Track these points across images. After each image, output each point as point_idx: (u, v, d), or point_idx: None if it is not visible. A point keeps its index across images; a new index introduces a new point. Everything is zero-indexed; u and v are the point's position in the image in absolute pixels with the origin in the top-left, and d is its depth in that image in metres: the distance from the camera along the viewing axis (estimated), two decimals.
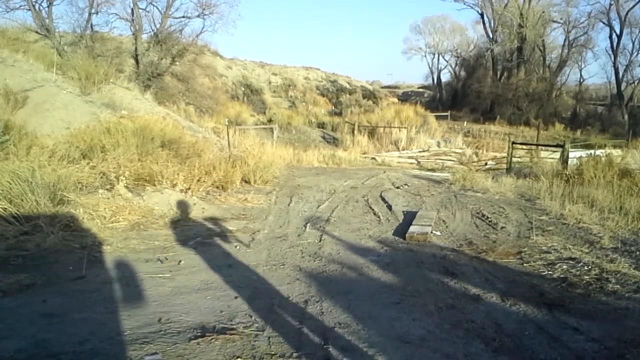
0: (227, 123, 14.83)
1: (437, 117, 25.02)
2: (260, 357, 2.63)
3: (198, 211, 6.01)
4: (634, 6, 27.57)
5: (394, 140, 18.76)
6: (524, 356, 2.70)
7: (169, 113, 12.60)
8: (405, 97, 44.46)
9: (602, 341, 2.88)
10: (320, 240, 5.11)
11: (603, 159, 8.19)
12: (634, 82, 29.96)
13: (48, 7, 17.39)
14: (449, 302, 3.45)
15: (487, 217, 6.08)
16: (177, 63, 21.69)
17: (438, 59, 45.00)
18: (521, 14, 31.78)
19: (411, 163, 14.53)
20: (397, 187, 8.53)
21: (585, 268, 4.13)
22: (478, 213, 6.34)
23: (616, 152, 10.02)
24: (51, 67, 10.44)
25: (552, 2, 32.80)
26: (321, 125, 23.89)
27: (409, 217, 6.04)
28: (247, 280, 3.88)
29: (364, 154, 16.02)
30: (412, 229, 5.41)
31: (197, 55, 23.37)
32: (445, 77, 45.48)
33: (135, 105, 11.04)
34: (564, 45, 33.28)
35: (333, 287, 3.77)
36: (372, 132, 19.68)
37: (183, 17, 21.00)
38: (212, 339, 2.80)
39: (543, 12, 32.22)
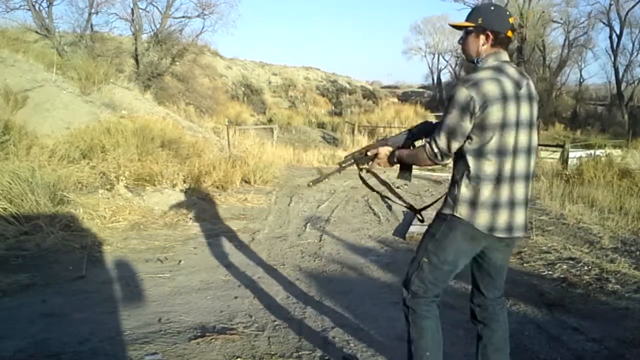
0: (227, 123, 14.81)
1: (437, 117, 24.98)
2: (260, 357, 2.63)
3: (198, 211, 6.01)
4: (634, 6, 27.54)
5: None
6: (524, 356, 2.70)
7: (169, 113, 12.60)
8: (406, 97, 44.34)
9: (602, 341, 2.88)
10: (320, 240, 5.11)
11: (603, 159, 8.19)
12: (634, 82, 29.91)
13: (48, 7, 17.34)
14: (449, 302, 3.45)
15: None
16: (177, 63, 21.64)
17: (438, 59, 44.89)
18: (521, 14, 31.72)
19: None
20: (397, 187, 8.52)
21: (585, 268, 4.13)
22: None
23: (616, 152, 10.03)
24: (51, 67, 10.44)
25: (552, 2, 32.72)
26: (321, 125, 23.90)
27: (409, 217, 6.04)
28: (247, 280, 3.88)
29: None
30: (412, 229, 5.41)
31: (197, 55, 23.32)
32: (445, 77, 45.34)
33: (135, 105, 11.04)
34: (564, 45, 33.24)
35: (333, 287, 3.77)
36: (372, 132, 19.67)
37: (183, 17, 20.96)
38: (212, 339, 2.80)
39: (543, 12, 32.16)
